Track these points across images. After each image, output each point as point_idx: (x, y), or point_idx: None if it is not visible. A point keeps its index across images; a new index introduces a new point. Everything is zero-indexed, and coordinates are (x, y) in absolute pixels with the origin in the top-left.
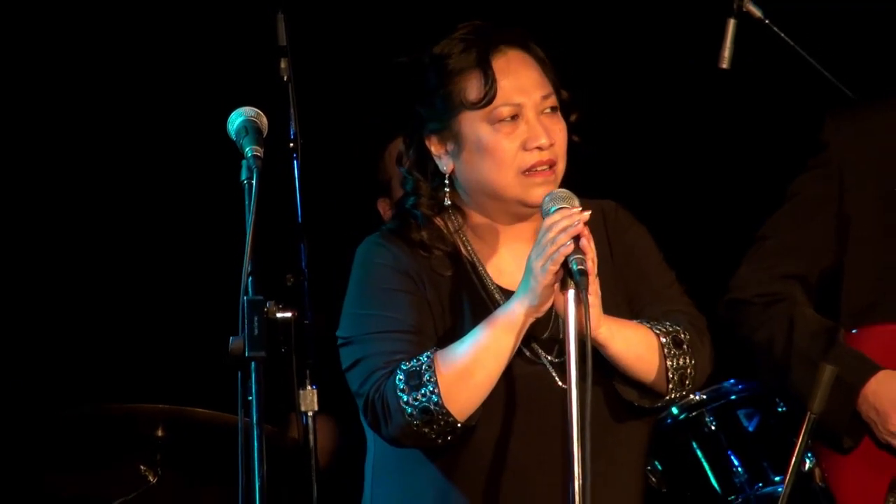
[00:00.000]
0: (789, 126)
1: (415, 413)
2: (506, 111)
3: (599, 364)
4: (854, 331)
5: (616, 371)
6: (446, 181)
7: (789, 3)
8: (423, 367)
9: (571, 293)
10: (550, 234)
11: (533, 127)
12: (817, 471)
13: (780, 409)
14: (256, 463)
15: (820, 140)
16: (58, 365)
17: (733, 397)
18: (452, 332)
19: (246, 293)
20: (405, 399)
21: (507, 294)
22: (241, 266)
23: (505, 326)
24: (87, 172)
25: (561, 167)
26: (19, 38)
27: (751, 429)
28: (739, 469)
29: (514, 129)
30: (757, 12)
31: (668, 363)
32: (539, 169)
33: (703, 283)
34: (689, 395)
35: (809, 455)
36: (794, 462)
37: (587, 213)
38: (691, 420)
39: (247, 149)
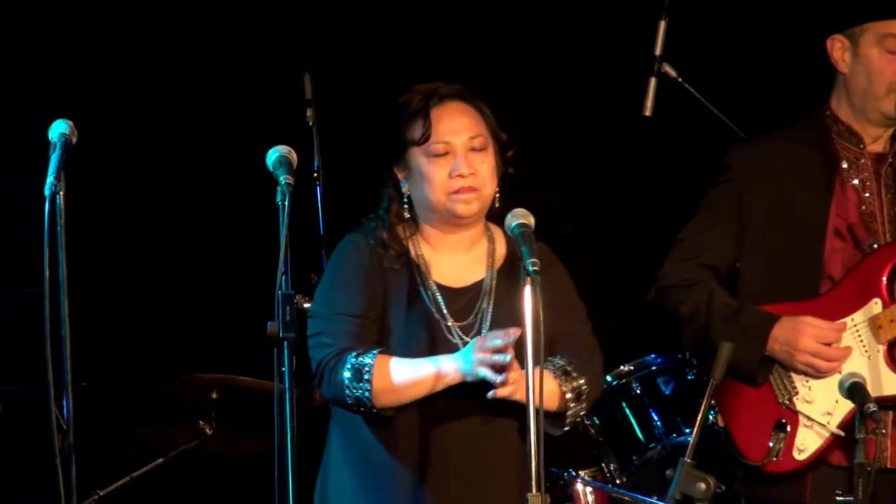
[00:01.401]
0: (699, 156)
1: (350, 396)
2: (439, 148)
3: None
4: None
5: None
6: (405, 200)
7: (701, 65)
8: (366, 368)
9: (528, 289)
10: (490, 344)
11: (458, 160)
12: (719, 417)
13: (689, 378)
14: (288, 419)
15: (726, 162)
16: (139, 347)
17: (654, 368)
18: (393, 315)
19: (281, 288)
20: (347, 384)
21: (442, 288)
22: (277, 267)
23: (440, 376)
24: (158, 189)
25: (487, 191)
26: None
27: (667, 392)
28: (658, 423)
29: (445, 162)
30: (672, 73)
31: (563, 388)
32: (462, 192)
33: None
34: (587, 410)
35: (712, 412)
36: (701, 417)
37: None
38: (621, 386)
39: (281, 178)
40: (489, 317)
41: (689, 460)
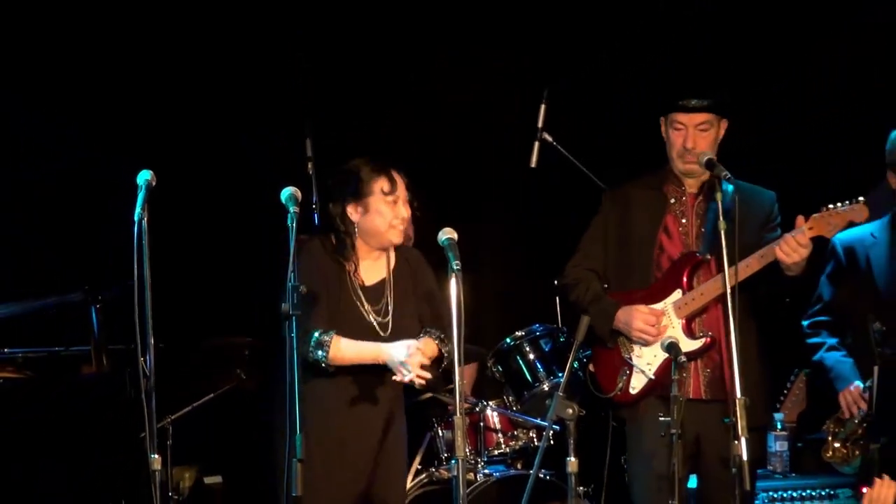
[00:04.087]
0: (577, 198)
1: (311, 358)
2: (392, 199)
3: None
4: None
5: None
6: (354, 227)
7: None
8: (326, 343)
9: (453, 281)
10: (409, 363)
11: (400, 209)
12: (591, 365)
13: (561, 340)
14: (296, 368)
15: (602, 200)
16: (198, 320)
17: (538, 333)
18: (332, 302)
19: (290, 281)
20: (311, 351)
21: (362, 286)
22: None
23: (371, 355)
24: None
25: (410, 228)
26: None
27: (546, 349)
28: (541, 369)
29: (395, 206)
30: (549, 138)
31: (441, 348)
32: (400, 228)
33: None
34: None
35: (577, 363)
36: (569, 365)
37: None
38: (517, 345)
39: (290, 208)
40: (392, 302)
41: (561, 394)
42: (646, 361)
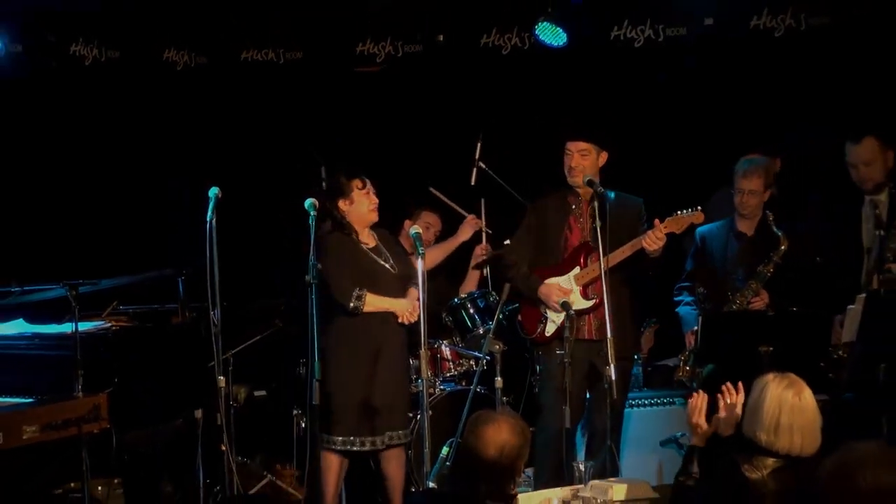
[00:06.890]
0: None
1: (351, 305)
2: (366, 191)
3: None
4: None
5: None
6: (347, 213)
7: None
8: (362, 297)
9: (420, 262)
10: (410, 307)
11: (372, 197)
12: (520, 315)
13: (491, 300)
14: (316, 317)
15: (527, 208)
16: (250, 287)
17: (475, 295)
18: (359, 262)
19: (311, 260)
20: (353, 300)
21: (371, 248)
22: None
23: (386, 305)
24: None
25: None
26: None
27: (482, 306)
28: (477, 318)
29: (368, 196)
30: (483, 165)
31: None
32: (375, 210)
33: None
34: None
35: (501, 315)
36: (496, 317)
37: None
38: (461, 303)
39: (311, 213)
40: (389, 253)
41: (492, 336)
42: (556, 315)
